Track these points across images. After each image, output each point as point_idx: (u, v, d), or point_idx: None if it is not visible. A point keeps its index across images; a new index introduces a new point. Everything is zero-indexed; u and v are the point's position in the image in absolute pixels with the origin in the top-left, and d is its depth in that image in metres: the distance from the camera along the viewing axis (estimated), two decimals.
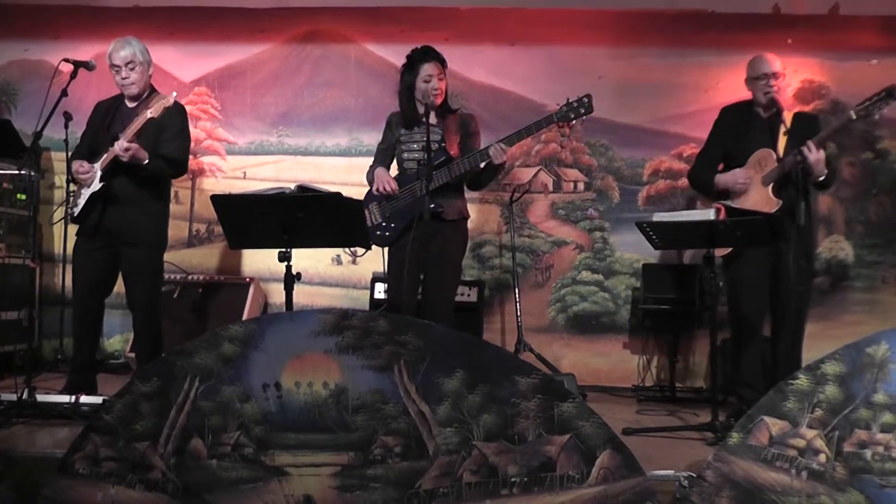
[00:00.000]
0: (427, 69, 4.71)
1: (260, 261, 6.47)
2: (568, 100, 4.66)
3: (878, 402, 3.03)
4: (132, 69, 4.73)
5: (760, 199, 4.66)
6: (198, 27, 6.63)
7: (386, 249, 4.81)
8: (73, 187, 4.86)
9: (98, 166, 4.65)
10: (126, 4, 6.46)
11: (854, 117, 4.45)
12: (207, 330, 5.59)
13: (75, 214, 4.77)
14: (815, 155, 4.43)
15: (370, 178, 4.89)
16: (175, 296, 6.13)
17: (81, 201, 4.73)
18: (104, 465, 3.28)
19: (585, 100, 4.62)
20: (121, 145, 4.45)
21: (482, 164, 4.67)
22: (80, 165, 4.67)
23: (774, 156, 4.67)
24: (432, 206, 4.43)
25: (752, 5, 6.17)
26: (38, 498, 3.30)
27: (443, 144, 4.71)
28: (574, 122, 4.70)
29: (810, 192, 4.68)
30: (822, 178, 4.59)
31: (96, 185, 4.65)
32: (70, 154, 4.96)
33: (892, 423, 3.01)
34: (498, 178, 5.47)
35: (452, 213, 4.72)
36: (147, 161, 4.57)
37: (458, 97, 6.43)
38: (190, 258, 6.65)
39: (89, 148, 4.80)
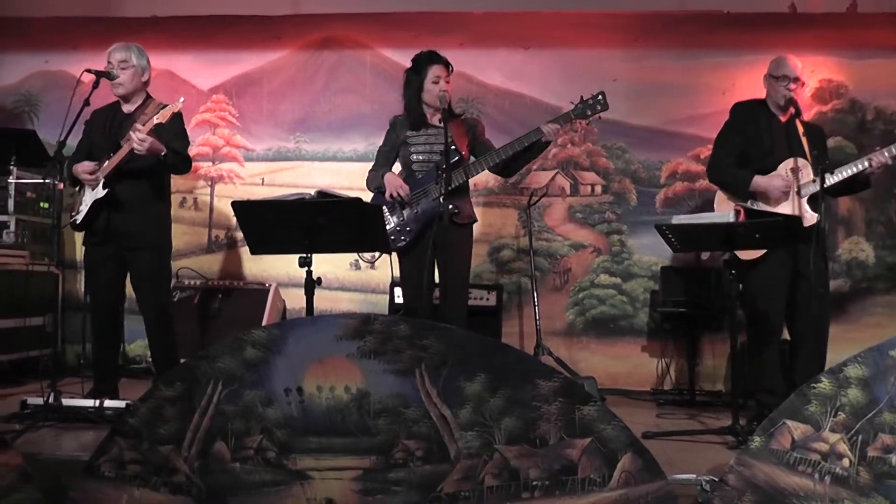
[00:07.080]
0: (435, 70, 4.75)
1: (279, 266, 6.50)
2: (582, 97, 4.71)
3: None
4: (123, 69, 4.77)
5: (796, 211, 4.64)
6: (214, 36, 6.68)
7: (395, 254, 4.80)
8: (71, 191, 4.85)
9: (101, 172, 4.66)
10: (143, 14, 6.50)
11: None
12: (227, 335, 5.65)
13: (77, 222, 4.78)
14: None
15: (376, 182, 4.84)
16: (195, 301, 6.17)
17: (84, 208, 4.74)
18: (129, 468, 3.29)
19: (600, 97, 4.70)
20: (138, 136, 4.43)
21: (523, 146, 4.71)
22: (83, 166, 4.68)
23: (810, 167, 4.64)
24: (450, 207, 4.47)
25: (767, 5, 6.13)
26: (65, 500, 3.32)
27: (453, 146, 4.72)
28: (591, 118, 4.79)
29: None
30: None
31: (100, 192, 4.64)
32: (66, 163, 4.98)
33: None
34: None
35: (465, 216, 4.74)
36: (165, 153, 4.57)
37: (474, 101, 6.47)
38: (209, 264, 6.70)
39: (88, 156, 4.81)
